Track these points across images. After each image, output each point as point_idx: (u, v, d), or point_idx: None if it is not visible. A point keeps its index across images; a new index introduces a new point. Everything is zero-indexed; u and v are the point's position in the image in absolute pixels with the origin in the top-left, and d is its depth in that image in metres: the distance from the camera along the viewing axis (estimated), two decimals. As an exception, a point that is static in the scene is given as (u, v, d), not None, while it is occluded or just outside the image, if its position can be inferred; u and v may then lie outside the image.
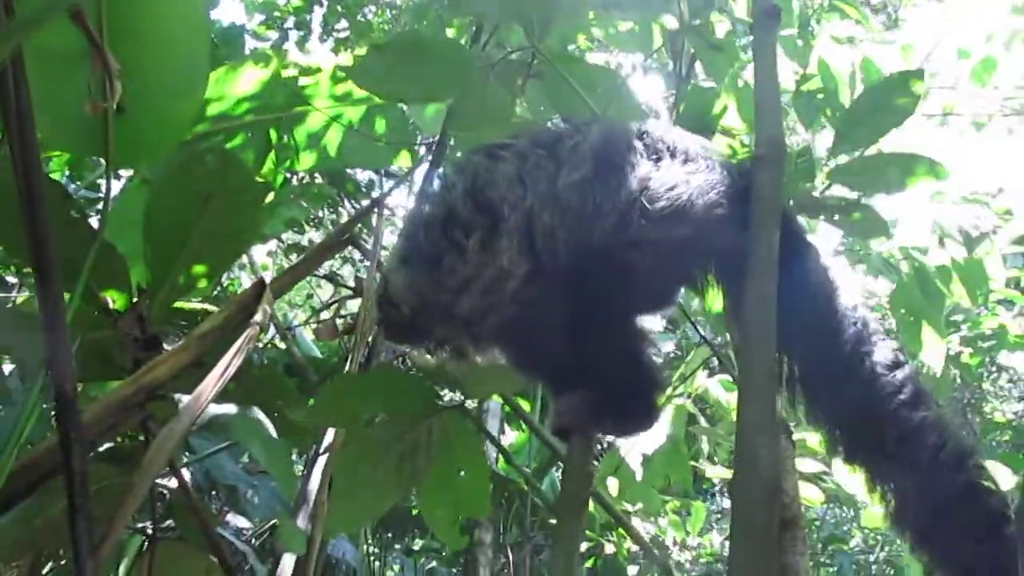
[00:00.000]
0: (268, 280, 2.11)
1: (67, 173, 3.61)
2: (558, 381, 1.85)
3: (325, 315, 5.93)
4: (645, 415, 1.81)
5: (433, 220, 1.90)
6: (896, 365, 1.56)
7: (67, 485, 1.60)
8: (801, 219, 2.01)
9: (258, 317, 1.98)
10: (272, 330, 5.35)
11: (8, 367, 2.84)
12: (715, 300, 1.79)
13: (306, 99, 2.82)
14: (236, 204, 1.93)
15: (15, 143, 1.53)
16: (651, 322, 1.88)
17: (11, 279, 3.91)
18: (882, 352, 1.58)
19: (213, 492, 4.32)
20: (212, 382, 1.83)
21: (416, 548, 6.60)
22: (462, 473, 1.99)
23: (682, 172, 1.68)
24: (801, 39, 2.51)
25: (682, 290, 1.93)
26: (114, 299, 1.99)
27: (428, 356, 2.01)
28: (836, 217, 2.06)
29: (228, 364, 1.87)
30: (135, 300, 1.98)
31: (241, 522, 4.07)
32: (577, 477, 1.70)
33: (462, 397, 2.08)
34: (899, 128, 1.99)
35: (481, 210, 1.80)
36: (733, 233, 1.62)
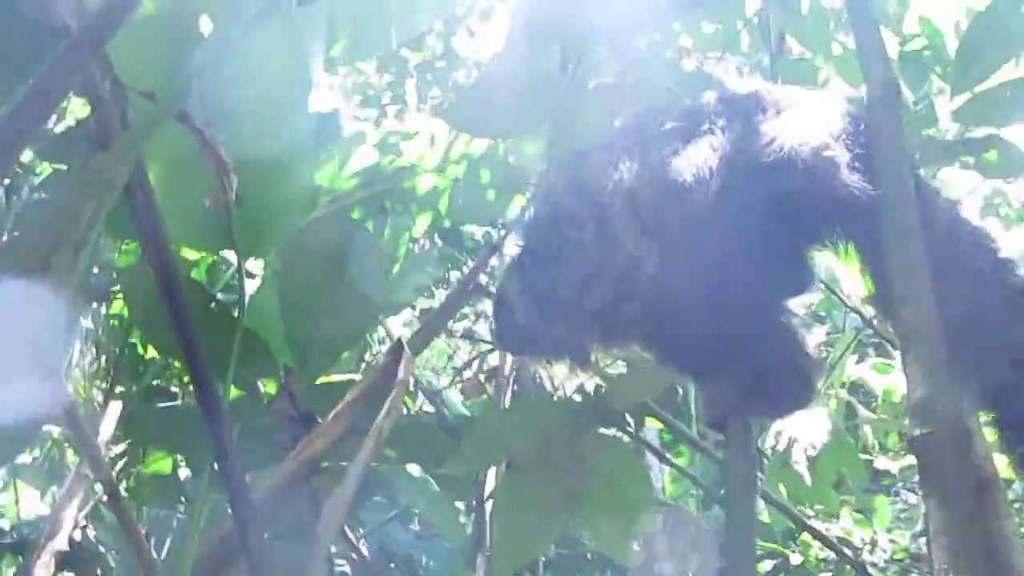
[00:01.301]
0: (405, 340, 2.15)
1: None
2: (704, 368, 1.76)
3: (468, 374, 6.01)
4: (799, 392, 1.70)
5: (540, 220, 1.82)
6: None
7: (248, 566, 1.66)
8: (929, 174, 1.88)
9: (401, 375, 2.02)
10: (420, 397, 5.46)
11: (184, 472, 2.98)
12: (851, 263, 1.68)
13: (410, 165, 2.89)
14: (363, 269, 1.98)
15: (151, 248, 1.62)
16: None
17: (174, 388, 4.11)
18: None
19: (391, 565, 4.40)
20: (369, 445, 1.88)
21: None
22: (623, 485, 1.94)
23: (777, 123, 1.56)
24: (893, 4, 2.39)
25: (819, 265, 1.81)
26: (264, 384, 2.07)
27: (549, 367, 1.96)
28: (971, 160, 1.93)
29: (381, 426, 1.91)
30: (284, 381, 2.05)
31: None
32: (741, 460, 1.63)
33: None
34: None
35: (584, 199, 1.71)
36: (852, 176, 1.48)
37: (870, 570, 3.15)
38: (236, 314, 1.97)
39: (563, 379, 2.06)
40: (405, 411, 6.01)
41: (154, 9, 1.80)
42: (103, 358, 4.02)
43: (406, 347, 2.11)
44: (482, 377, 5.50)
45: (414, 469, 2.15)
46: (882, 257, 1.46)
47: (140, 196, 1.61)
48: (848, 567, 3.44)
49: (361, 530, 3.17)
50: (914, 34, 2.34)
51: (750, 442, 1.67)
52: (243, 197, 1.87)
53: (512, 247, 1.98)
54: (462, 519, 3.32)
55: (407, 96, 7.22)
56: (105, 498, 2.39)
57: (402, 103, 7.21)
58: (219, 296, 2.59)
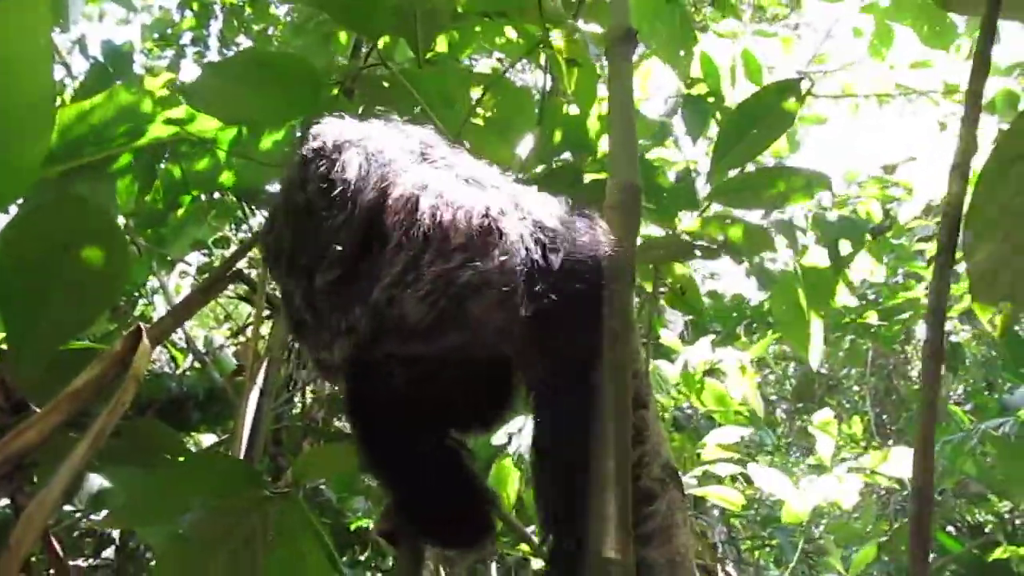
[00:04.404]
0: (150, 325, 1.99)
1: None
2: (391, 469, 1.56)
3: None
4: (474, 532, 1.56)
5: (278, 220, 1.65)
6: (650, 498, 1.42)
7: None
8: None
9: (134, 368, 1.86)
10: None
11: None
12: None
13: (178, 122, 2.68)
14: (99, 252, 1.79)
15: None
16: None
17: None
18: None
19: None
20: (86, 445, 1.71)
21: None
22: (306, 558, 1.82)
23: (443, 267, 1.33)
24: (683, 48, 2.41)
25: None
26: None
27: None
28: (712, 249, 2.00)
29: (103, 425, 1.74)
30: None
31: None
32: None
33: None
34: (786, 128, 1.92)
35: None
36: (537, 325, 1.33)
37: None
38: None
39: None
40: (173, 369, 5.71)
41: None
42: None
43: (144, 336, 1.94)
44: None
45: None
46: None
47: None
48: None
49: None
50: (699, 79, 2.40)
51: (418, 568, 1.61)
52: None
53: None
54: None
55: (209, 39, 6.81)
56: None
57: (203, 45, 6.79)
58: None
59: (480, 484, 1.59)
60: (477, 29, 2.59)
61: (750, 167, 2.07)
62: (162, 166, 3.20)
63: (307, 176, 1.56)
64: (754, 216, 2.21)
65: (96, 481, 1.99)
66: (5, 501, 2.12)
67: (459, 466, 1.55)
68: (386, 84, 2.30)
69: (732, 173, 1.96)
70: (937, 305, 1.02)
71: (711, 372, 3.50)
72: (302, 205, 1.55)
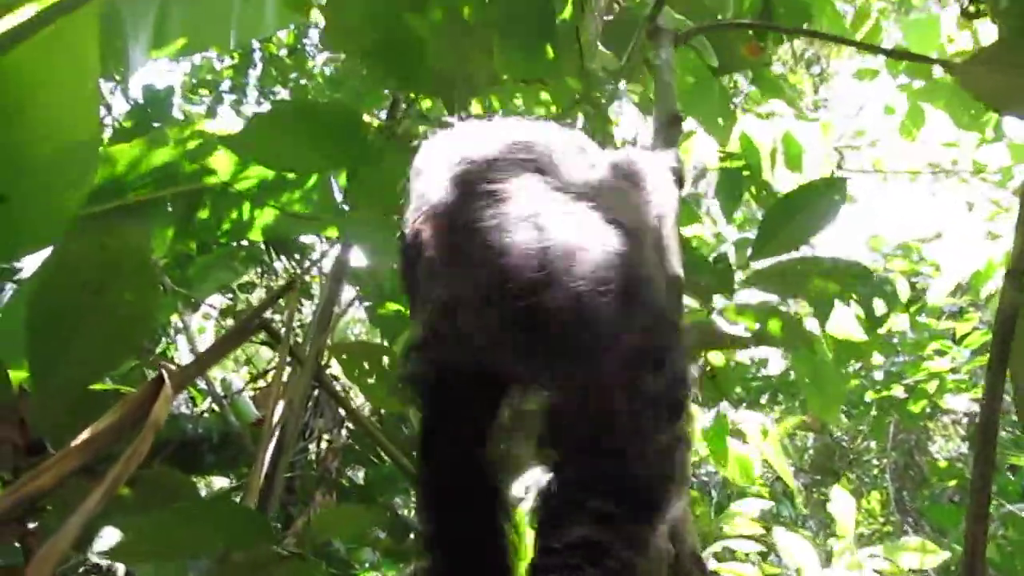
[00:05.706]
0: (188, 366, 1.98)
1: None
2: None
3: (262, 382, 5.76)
4: None
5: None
6: None
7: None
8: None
9: (153, 416, 1.84)
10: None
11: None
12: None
13: (213, 172, 2.72)
14: (130, 294, 1.79)
15: None
16: None
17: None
18: None
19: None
20: (100, 493, 1.69)
21: None
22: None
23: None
24: (721, 117, 2.42)
25: None
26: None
27: None
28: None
29: (119, 473, 1.72)
30: (17, 402, 1.83)
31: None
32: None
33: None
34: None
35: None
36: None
37: None
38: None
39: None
40: (191, 409, 5.68)
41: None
42: None
43: (167, 382, 1.94)
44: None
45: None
46: None
47: None
48: None
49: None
50: (735, 152, 2.40)
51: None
52: (5, 194, 1.68)
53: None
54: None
55: (248, 87, 6.91)
56: None
57: (241, 94, 6.89)
58: None
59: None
60: (517, 97, 2.60)
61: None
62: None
63: None
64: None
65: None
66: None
67: (500, 544, 1.37)
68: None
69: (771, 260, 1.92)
70: (989, 416, 0.99)
71: (732, 434, 3.41)
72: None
